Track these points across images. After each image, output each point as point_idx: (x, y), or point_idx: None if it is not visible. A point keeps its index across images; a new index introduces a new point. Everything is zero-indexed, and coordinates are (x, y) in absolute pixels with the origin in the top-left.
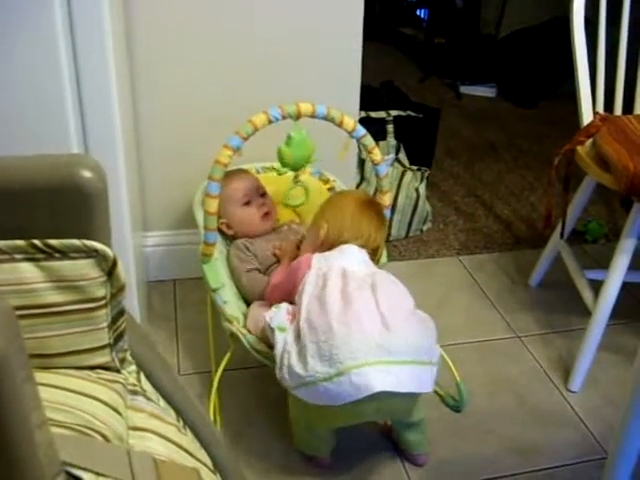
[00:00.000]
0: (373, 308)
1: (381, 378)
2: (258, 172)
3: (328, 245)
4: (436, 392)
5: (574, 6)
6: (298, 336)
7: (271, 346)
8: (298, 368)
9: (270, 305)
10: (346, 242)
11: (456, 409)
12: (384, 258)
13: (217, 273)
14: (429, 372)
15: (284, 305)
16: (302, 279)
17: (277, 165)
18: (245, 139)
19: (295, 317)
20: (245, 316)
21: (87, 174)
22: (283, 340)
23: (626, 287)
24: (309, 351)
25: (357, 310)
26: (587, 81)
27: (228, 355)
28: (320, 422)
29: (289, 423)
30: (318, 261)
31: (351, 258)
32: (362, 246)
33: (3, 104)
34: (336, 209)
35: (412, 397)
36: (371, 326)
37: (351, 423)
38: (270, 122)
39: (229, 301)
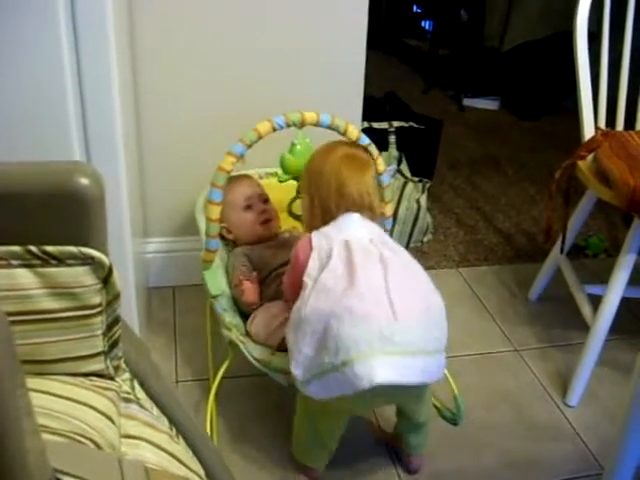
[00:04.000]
0: (381, 286)
1: (384, 370)
2: (261, 177)
3: (322, 219)
4: (434, 405)
5: (577, 21)
6: (303, 323)
7: (273, 353)
8: (307, 360)
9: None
10: (339, 211)
11: (453, 422)
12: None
13: (217, 280)
14: (437, 361)
15: None
16: (305, 262)
17: (280, 171)
18: (249, 146)
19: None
20: (247, 322)
21: (85, 181)
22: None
23: (625, 302)
24: (315, 342)
25: (362, 291)
26: (589, 96)
27: (226, 363)
28: (332, 415)
29: (290, 431)
30: (319, 240)
31: (351, 227)
32: (357, 210)
33: (5, 111)
34: (314, 177)
35: (421, 385)
36: (377, 311)
37: (364, 411)
38: (274, 130)
39: (229, 308)
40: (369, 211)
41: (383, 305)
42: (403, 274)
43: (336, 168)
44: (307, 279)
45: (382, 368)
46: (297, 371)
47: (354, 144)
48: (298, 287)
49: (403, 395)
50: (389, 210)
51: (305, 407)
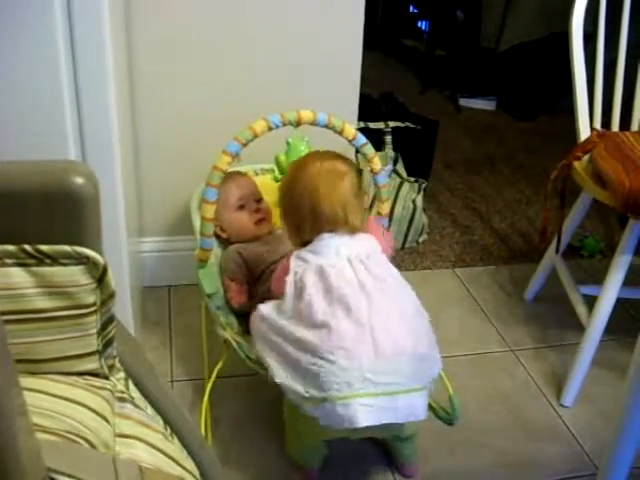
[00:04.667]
0: (363, 322)
1: (365, 413)
2: (256, 174)
3: (299, 238)
4: (429, 404)
5: (573, 22)
6: (287, 354)
7: None
8: (290, 381)
9: None
10: (313, 231)
11: (449, 422)
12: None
13: (212, 279)
14: (420, 398)
15: None
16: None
17: (277, 170)
18: (244, 145)
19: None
20: (241, 323)
21: (79, 181)
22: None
23: (620, 303)
24: (298, 366)
25: (344, 328)
26: (585, 97)
27: (221, 362)
28: (310, 434)
29: (283, 430)
30: (296, 264)
31: (327, 251)
32: (332, 227)
33: (1, 112)
34: (287, 197)
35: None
36: (359, 349)
37: (341, 436)
38: (270, 129)
39: (223, 307)
40: (345, 225)
41: (366, 343)
42: (385, 304)
43: (307, 187)
44: (284, 306)
45: (364, 410)
46: (289, 395)
47: (329, 154)
48: None
49: (382, 429)
50: (386, 208)
51: (290, 415)
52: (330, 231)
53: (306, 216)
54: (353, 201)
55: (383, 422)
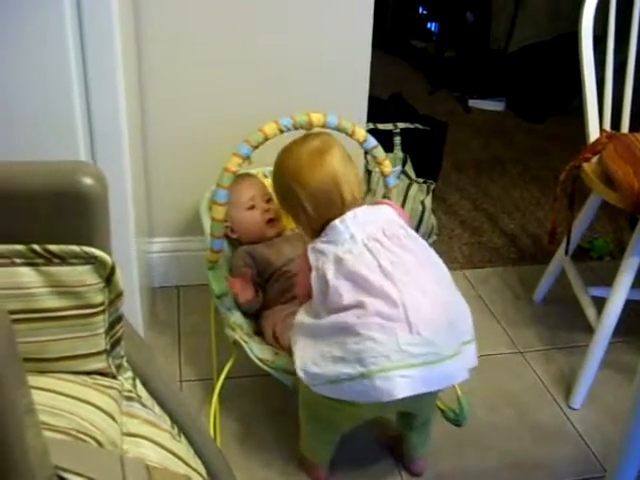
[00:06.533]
0: (393, 295)
1: (405, 384)
2: (266, 176)
3: (312, 229)
4: (437, 406)
5: (583, 23)
6: (315, 336)
7: (276, 353)
8: (321, 368)
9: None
10: (322, 217)
11: (457, 423)
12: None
13: (222, 280)
14: (456, 363)
15: None
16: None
17: None
18: (255, 148)
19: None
20: (250, 324)
21: (88, 181)
22: (300, 338)
23: (630, 305)
24: (331, 353)
25: (375, 307)
26: (594, 98)
27: (230, 363)
28: (330, 426)
29: (294, 430)
30: (315, 258)
31: (341, 238)
32: (339, 210)
33: (11, 110)
34: (280, 190)
35: (437, 392)
36: (393, 325)
37: (371, 417)
38: (281, 132)
39: (233, 308)
40: (352, 198)
41: (400, 321)
42: (409, 280)
43: (290, 173)
44: (314, 299)
45: (403, 382)
46: (306, 377)
47: (308, 136)
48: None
49: (418, 402)
50: None
51: (308, 406)
52: (339, 214)
53: (303, 203)
54: (344, 171)
55: (422, 391)
